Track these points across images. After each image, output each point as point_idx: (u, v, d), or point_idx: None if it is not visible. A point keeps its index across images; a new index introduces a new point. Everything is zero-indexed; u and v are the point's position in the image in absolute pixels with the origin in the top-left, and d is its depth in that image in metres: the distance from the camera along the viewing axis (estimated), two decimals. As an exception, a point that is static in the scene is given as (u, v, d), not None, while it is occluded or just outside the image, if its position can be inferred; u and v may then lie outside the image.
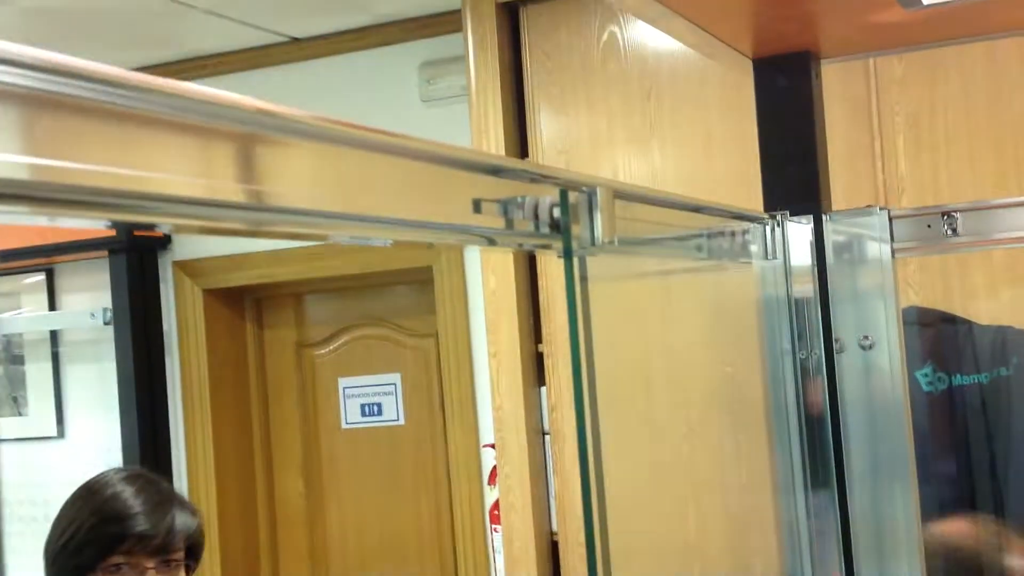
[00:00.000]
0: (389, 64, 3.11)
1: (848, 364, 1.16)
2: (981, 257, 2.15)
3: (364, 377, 3.41)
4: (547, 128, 2.60)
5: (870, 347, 1.15)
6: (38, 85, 0.38)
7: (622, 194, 0.73)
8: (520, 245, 0.61)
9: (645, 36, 2.50)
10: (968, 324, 2.08)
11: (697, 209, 0.91)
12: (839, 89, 2.25)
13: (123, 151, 0.41)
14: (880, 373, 1.14)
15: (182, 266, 3.39)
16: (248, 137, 0.47)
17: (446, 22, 2.96)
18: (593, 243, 0.64)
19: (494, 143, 2.59)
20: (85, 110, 0.39)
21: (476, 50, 2.61)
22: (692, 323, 1.35)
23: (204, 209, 0.45)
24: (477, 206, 0.57)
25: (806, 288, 1.16)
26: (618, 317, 1.12)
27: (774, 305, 1.16)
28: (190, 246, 3.38)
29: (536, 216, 0.62)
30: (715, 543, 1.80)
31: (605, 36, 2.56)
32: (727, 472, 1.59)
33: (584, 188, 0.64)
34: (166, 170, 0.43)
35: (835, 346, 1.16)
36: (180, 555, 1.60)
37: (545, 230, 0.63)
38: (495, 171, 0.60)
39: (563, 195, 0.61)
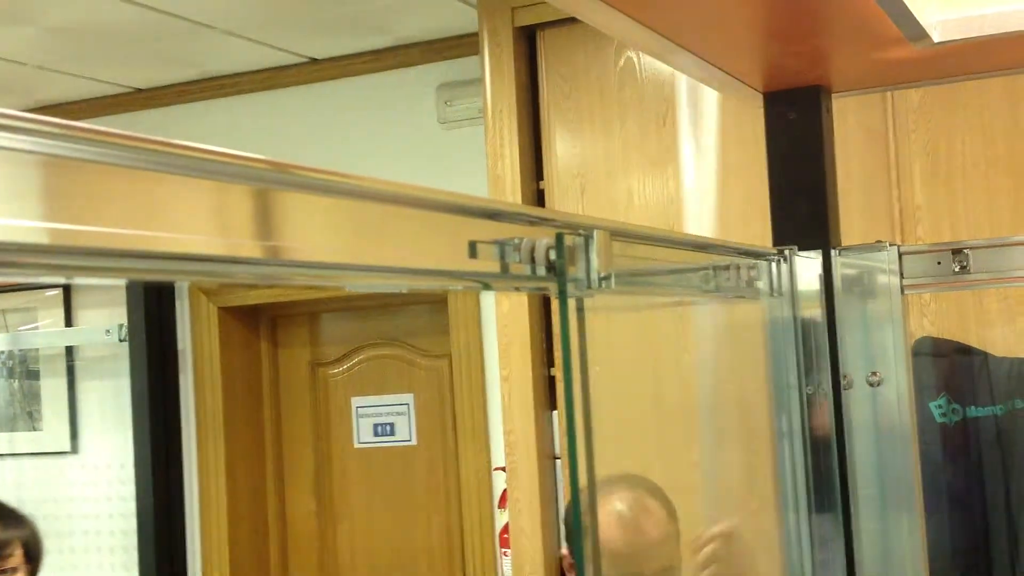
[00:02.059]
0: (407, 86, 3.12)
1: (856, 400, 1.15)
2: (997, 288, 2.13)
3: (377, 397, 3.41)
4: (562, 151, 2.60)
5: (878, 384, 1.14)
6: (51, 150, 0.38)
7: (621, 233, 0.73)
8: (516, 288, 0.61)
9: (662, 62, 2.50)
10: (983, 355, 2.06)
11: (702, 247, 0.91)
12: (855, 118, 2.24)
13: (138, 211, 0.41)
14: (888, 409, 1.12)
15: (198, 284, 3.41)
16: (259, 193, 0.47)
17: (464, 44, 2.97)
18: (589, 285, 0.64)
19: (509, 166, 2.59)
20: (99, 172, 0.40)
21: (493, 73, 2.61)
22: (697, 355, 1.34)
23: (220, 266, 0.46)
24: (473, 250, 0.57)
25: (814, 323, 1.16)
26: (618, 349, 1.12)
27: (781, 340, 1.15)
28: (206, 264, 3.38)
29: (533, 259, 0.61)
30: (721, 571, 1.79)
31: (622, 61, 2.56)
32: (732, 502, 1.60)
33: (582, 231, 0.64)
34: (181, 229, 0.43)
35: (843, 382, 1.15)
36: (12, 563, 1.75)
37: (542, 272, 0.63)
38: (492, 215, 0.60)
39: (559, 238, 0.61)
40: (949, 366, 2.07)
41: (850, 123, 2.22)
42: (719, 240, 0.95)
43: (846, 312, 1.15)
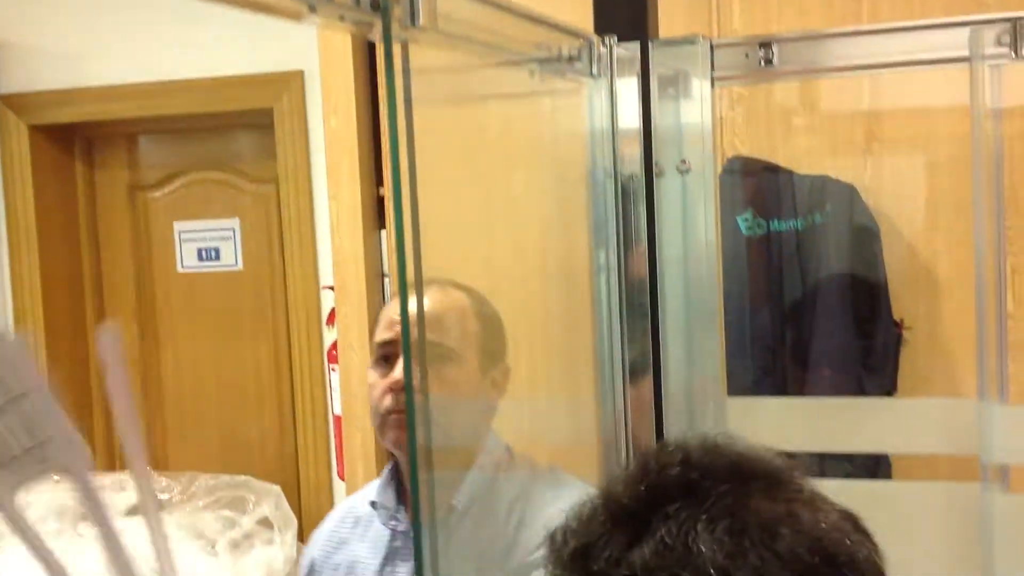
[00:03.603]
0: None
1: (666, 187, 1.22)
2: (805, 110, 2.25)
3: (201, 222, 3.35)
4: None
5: (687, 171, 1.21)
6: None
7: (448, -16, 0.74)
8: (341, 18, 0.62)
9: None
10: (789, 173, 2.19)
11: (528, 18, 0.93)
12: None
13: None
14: (695, 196, 1.20)
15: (7, 100, 3.23)
16: None
17: None
18: (414, 23, 0.66)
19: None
20: None
21: None
22: (518, 151, 1.38)
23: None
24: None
25: (630, 113, 1.21)
26: (444, 146, 1.14)
27: (599, 129, 1.21)
28: (16, 78, 3.20)
29: (358, -8, 0.63)
30: (541, 378, 1.87)
31: None
32: (553, 315, 1.62)
33: (407, -33, 0.65)
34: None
35: (655, 169, 1.21)
36: None
37: (367, 8, 0.64)
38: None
39: (384, -30, 0.63)
40: (756, 183, 2.20)
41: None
42: (546, 16, 0.98)
43: (660, 103, 1.20)
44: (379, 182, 2.63)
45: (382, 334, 1.45)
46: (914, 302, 2.19)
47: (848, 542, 0.71)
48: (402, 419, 1.40)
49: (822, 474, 1.22)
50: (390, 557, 1.46)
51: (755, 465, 0.73)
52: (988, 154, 1.18)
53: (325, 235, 2.89)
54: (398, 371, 1.40)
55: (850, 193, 2.14)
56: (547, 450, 1.41)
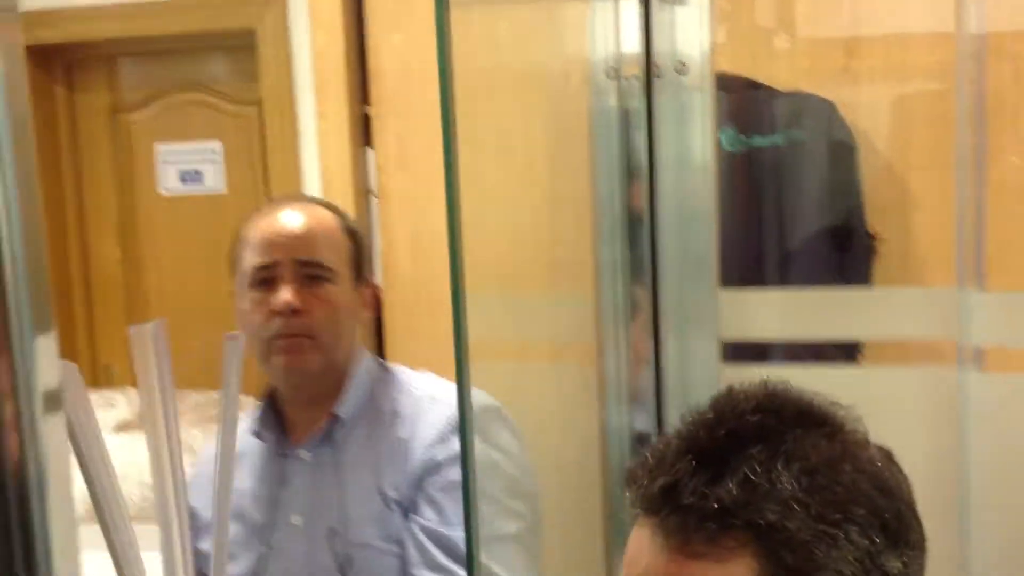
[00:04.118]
0: None
1: (664, 88, 1.27)
2: (785, 28, 2.30)
3: (182, 144, 3.37)
4: None
5: (685, 73, 1.27)
6: None
7: None
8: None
9: None
10: (770, 90, 2.24)
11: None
12: None
13: None
14: (691, 94, 1.26)
15: (-17, 20, 3.20)
16: None
17: None
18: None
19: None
20: None
21: None
22: (524, 63, 1.41)
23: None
24: None
25: (630, 17, 1.26)
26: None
27: (600, 31, 1.26)
28: (-8, -2, 3.18)
29: None
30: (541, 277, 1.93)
31: None
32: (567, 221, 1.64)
33: None
34: None
35: (654, 71, 1.27)
36: None
37: None
38: None
39: None
40: (738, 100, 2.25)
41: None
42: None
43: (659, 4, 1.26)
44: (366, 101, 2.66)
45: (259, 258, 1.42)
46: (888, 216, 2.27)
47: (892, 474, 0.84)
48: (292, 343, 1.41)
49: (816, 358, 1.30)
50: (283, 482, 1.47)
51: (816, 411, 0.85)
52: (970, 78, 1.25)
53: (309, 156, 2.92)
54: (285, 294, 1.39)
55: (829, 109, 2.20)
56: (549, 347, 1.47)
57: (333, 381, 1.46)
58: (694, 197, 1.30)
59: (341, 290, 1.44)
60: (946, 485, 1.14)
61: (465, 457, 1.11)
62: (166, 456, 0.92)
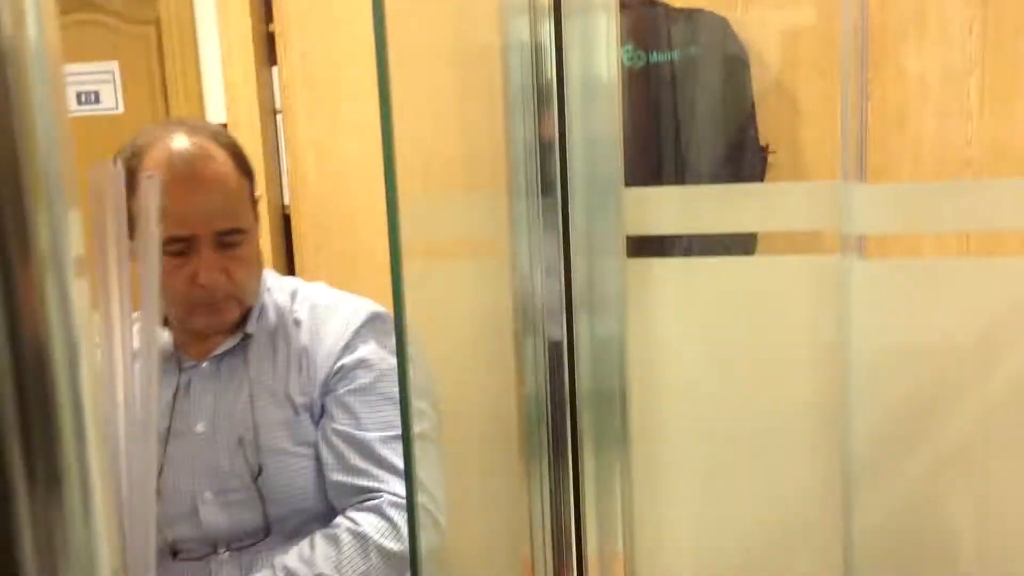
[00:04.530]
0: None
1: (570, 15, 1.33)
2: (681, -53, 2.38)
3: (78, 65, 3.31)
4: None
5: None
6: None
7: None
8: None
9: None
10: (665, 7, 2.33)
11: None
12: None
13: None
14: (597, 18, 1.32)
15: None
16: None
17: None
18: None
19: None
20: None
21: None
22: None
23: None
24: None
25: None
26: None
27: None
28: None
29: None
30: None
31: None
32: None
33: None
34: None
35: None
36: None
37: None
38: None
39: None
40: (636, 16, 2.33)
41: None
42: None
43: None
44: (269, 19, 2.66)
45: (176, 230, 1.38)
46: (779, 129, 2.39)
47: None
48: (215, 306, 1.43)
49: (704, 253, 1.40)
50: (183, 393, 1.48)
51: None
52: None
53: (212, 76, 2.91)
54: (209, 271, 1.39)
55: (723, 25, 2.30)
56: (467, 248, 1.53)
57: (243, 313, 1.49)
58: (601, 118, 1.37)
59: (253, 241, 1.46)
60: (832, 366, 1.25)
61: (402, 362, 1.18)
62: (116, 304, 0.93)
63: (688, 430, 1.29)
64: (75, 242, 0.51)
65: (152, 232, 0.95)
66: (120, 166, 0.90)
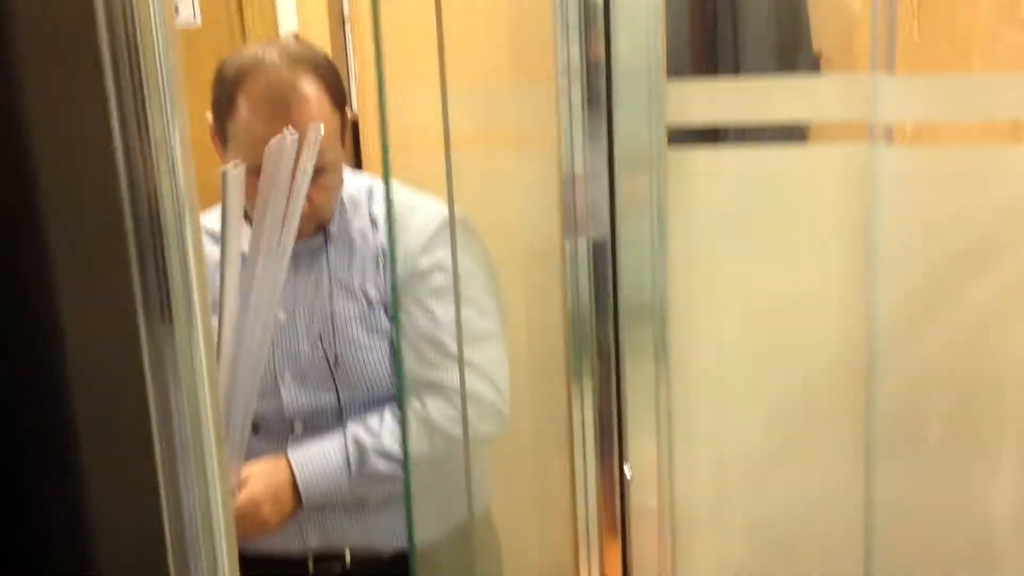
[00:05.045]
0: None
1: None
2: None
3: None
4: None
5: None
6: None
7: None
8: None
9: None
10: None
11: None
12: None
13: None
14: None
15: None
16: None
17: None
18: None
19: None
20: None
21: None
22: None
23: None
24: None
25: None
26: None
27: None
28: None
29: None
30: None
31: None
32: None
33: None
34: None
35: None
36: None
37: None
38: None
39: None
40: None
41: None
42: None
43: None
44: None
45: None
46: (831, 35, 2.43)
47: None
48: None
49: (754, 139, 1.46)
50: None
51: None
52: None
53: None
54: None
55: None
56: (517, 136, 1.58)
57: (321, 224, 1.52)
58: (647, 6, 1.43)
59: (338, 169, 1.48)
60: (861, 248, 1.33)
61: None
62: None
63: (723, 302, 1.36)
64: (182, 130, 0.60)
65: (233, 228, 1.02)
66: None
